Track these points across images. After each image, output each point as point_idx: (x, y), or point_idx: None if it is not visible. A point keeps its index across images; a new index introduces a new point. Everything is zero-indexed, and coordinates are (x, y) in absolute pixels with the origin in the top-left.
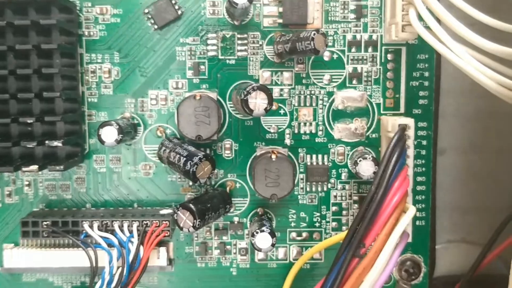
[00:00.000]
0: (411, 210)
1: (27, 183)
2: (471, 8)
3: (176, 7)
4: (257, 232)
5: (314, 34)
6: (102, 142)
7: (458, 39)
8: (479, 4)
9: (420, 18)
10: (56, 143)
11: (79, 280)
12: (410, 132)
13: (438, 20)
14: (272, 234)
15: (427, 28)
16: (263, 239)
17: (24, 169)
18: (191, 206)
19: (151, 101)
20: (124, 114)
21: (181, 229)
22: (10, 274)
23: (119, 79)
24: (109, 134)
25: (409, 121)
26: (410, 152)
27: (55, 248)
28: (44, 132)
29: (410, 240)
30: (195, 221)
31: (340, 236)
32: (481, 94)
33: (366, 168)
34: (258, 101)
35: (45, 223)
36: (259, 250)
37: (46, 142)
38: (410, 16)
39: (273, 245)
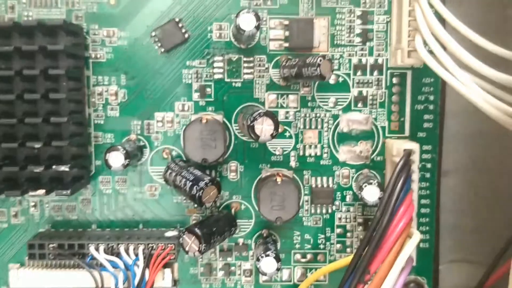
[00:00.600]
0: (416, 236)
1: (33, 204)
2: (476, 35)
3: (183, 30)
4: (262, 257)
5: (320, 60)
6: (109, 166)
7: (462, 65)
8: (484, 29)
9: (426, 44)
10: (63, 168)
11: None
12: (415, 157)
13: (443, 47)
14: (277, 258)
15: (432, 54)
16: (268, 264)
17: (31, 193)
18: (197, 230)
19: (157, 123)
20: (130, 136)
21: (187, 253)
22: None
23: (125, 101)
24: (116, 159)
25: (414, 146)
26: (415, 176)
27: (61, 268)
28: (51, 155)
29: (414, 263)
30: (200, 245)
31: (345, 260)
32: (484, 116)
33: (371, 194)
34: (264, 127)
35: (51, 245)
36: (264, 274)
37: (53, 167)
38: (416, 42)
39: (278, 269)
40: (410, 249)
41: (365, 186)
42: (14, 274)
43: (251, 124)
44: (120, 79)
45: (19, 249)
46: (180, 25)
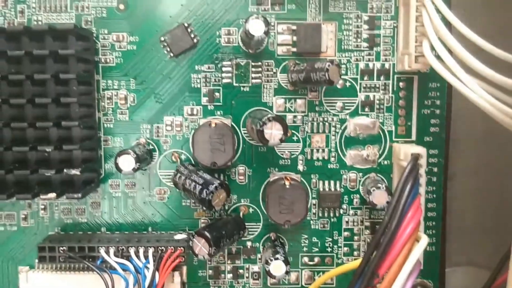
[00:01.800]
0: (424, 240)
1: (42, 207)
2: (482, 40)
3: (192, 35)
4: (271, 260)
5: (328, 65)
6: (119, 170)
7: (469, 70)
8: (490, 34)
9: (432, 49)
10: (74, 172)
11: None
12: (423, 161)
13: (450, 52)
14: (286, 261)
15: (439, 59)
16: (277, 267)
17: (42, 196)
18: (207, 234)
19: (166, 127)
20: (140, 140)
21: (197, 256)
22: None
23: (135, 105)
24: (127, 163)
25: (422, 150)
26: (422, 180)
27: (71, 271)
28: (62, 159)
29: (421, 267)
30: (210, 248)
31: (353, 263)
32: (491, 120)
33: (380, 198)
34: (273, 132)
35: (61, 248)
36: (273, 277)
37: (64, 170)
38: (423, 47)
39: (287, 272)
40: (418, 252)
41: (374, 190)
42: (23, 277)
43: (261, 129)
44: (130, 83)
45: (28, 252)
46: (189, 30)
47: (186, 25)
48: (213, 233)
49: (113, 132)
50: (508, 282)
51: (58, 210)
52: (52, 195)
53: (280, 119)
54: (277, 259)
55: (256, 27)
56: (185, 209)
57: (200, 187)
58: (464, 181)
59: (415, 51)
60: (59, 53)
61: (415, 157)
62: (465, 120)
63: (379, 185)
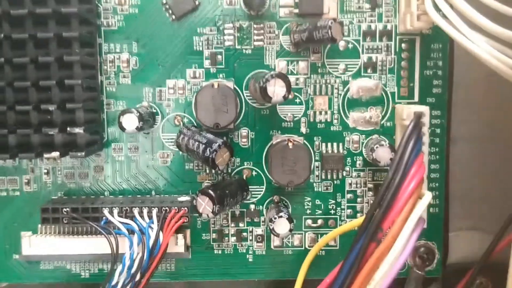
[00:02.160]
0: (427, 196)
1: (45, 171)
2: None
3: None
4: (275, 218)
5: (331, 22)
6: (123, 129)
7: (473, 27)
8: None
9: (435, 7)
10: (78, 130)
11: (97, 267)
12: (425, 120)
13: (453, 7)
14: (290, 219)
15: (443, 16)
16: (281, 224)
17: (45, 155)
18: (211, 192)
19: (169, 90)
20: (142, 103)
21: (200, 214)
22: (28, 261)
23: (137, 68)
24: (130, 121)
25: (425, 109)
26: (425, 139)
27: (73, 235)
28: (64, 120)
29: (425, 225)
30: (214, 206)
31: (355, 222)
32: (494, 84)
33: (383, 155)
34: (276, 89)
35: (65, 209)
36: (277, 235)
37: (68, 129)
38: (425, 4)
39: (291, 230)
40: (421, 207)
41: (377, 147)
42: (26, 241)
43: (264, 86)
44: (132, 46)
45: (31, 216)
46: None
47: None
48: (217, 192)
49: (116, 96)
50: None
51: (61, 174)
52: (56, 153)
53: (284, 76)
54: (281, 217)
55: None
56: (188, 172)
57: (204, 146)
58: (467, 145)
59: (417, 10)
60: (61, 12)
61: (418, 115)
62: (468, 85)
63: (383, 142)
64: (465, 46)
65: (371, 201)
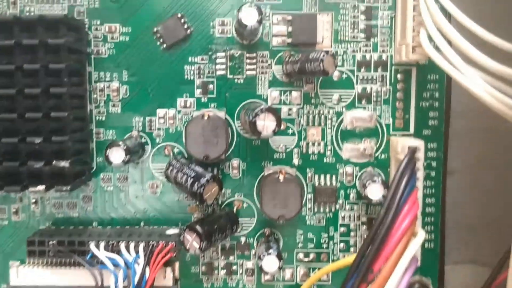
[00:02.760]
0: (421, 235)
1: (33, 200)
2: (483, 30)
3: (185, 26)
4: (264, 255)
5: (323, 55)
6: (109, 162)
7: (468, 61)
8: (490, 25)
9: (431, 39)
10: (64, 164)
11: None
12: (420, 155)
13: (449, 41)
14: (279, 256)
15: (437, 49)
16: (270, 262)
17: (31, 189)
18: (198, 228)
19: (159, 119)
20: (132, 132)
21: (188, 250)
22: None
23: (127, 97)
24: (117, 155)
25: (419, 143)
26: (419, 174)
27: (61, 267)
28: (53, 151)
29: (418, 263)
30: (201, 243)
31: (348, 259)
32: (491, 113)
33: (375, 192)
34: (266, 123)
35: (51, 242)
36: (266, 273)
37: (54, 162)
38: (420, 37)
39: (280, 268)
40: (414, 248)
41: (369, 184)
42: (14, 272)
43: (253, 120)
44: (122, 75)
45: (19, 246)
46: (182, 20)
47: (179, 15)
48: (204, 228)
49: (105, 125)
50: (508, 281)
51: (50, 204)
52: (41, 187)
53: (273, 110)
54: (269, 254)
55: (249, 16)
56: (178, 203)
57: (192, 180)
58: (464, 176)
59: (413, 41)
60: (49, 42)
61: (412, 150)
62: (465, 113)
63: (375, 178)
64: (460, 82)
65: (365, 235)
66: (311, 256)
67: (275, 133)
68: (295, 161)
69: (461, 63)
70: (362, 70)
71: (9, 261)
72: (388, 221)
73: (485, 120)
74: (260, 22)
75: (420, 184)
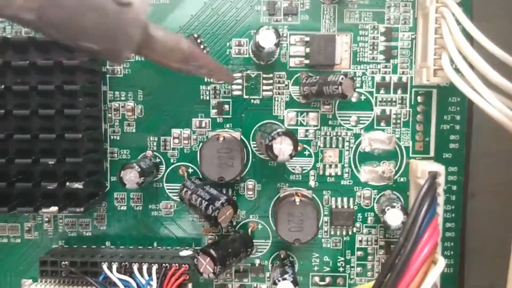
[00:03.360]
0: (441, 263)
1: (46, 219)
2: (505, 54)
3: (202, 46)
4: (279, 280)
5: (342, 78)
6: (123, 185)
7: (491, 86)
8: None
9: (452, 62)
10: (77, 185)
11: None
12: (441, 179)
13: (471, 65)
14: (294, 282)
15: (459, 72)
16: None
17: (44, 210)
18: (212, 252)
19: (174, 140)
20: (146, 152)
21: (201, 274)
22: None
23: (142, 117)
24: (131, 177)
25: (440, 168)
26: (440, 199)
27: (74, 286)
28: (66, 171)
29: None
30: (215, 267)
31: (366, 286)
32: None
33: (395, 218)
34: (283, 147)
35: (63, 263)
36: None
37: (67, 184)
38: (442, 61)
39: None
40: (434, 276)
41: (388, 209)
42: None
43: (270, 144)
44: (137, 94)
45: (32, 265)
46: (198, 40)
47: (195, 36)
48: (218, 252)
49: (120, 145)
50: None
51: (63, 223)
52: (54, 208)
53: (290, 134)
54: (285, 279)
55: (267, 39)
56: (192, 224)
57: (206, 202)
58: (485, 200)
59: (434, 65)
60: (64, 63)
61: (433, 175)
62: (486, 136)
63: (394, 204)
64: (482, 107)
65: (383, 260)
66: (327, 280)
67: (292, 157)
68: (312, 183)
69: (483, 88)
70: (381, 91)
71: (21, 279)
72: (408, 249)
73: (507, 144)
74: (277, 45)
75: (440, 209)
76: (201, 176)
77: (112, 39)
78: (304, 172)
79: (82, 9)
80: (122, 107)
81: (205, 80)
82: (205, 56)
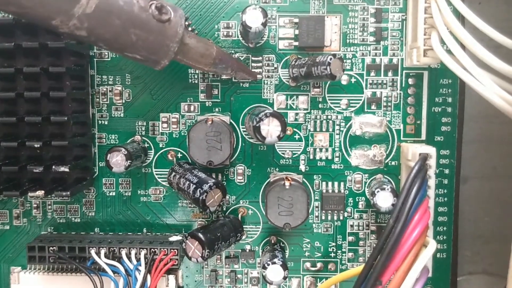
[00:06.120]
0: (432, 245)
1: (35, 205)
2: (497, 33)
3: (190, 28)
4: (268, 264)
5: (330, 58)
6: (110, 168)
7: (482, 64)
8: (505, 27)
9: (443, 42)
10: (63, 169)
11: None
12: (432, 162)
13: (462, 45)
14: (284, 266)
15: (450, 53)
16: (275, 272)
17: (30, 194)
18: (200, 235)
19: (163, 124)
20: (135, 137)
21: (190, 258)
22: None
23: (130, 101)
24: (118, 160)
25: (431, 150)
26: (432, 182)
27: (62, 272)
28: (53, 155)
29: (430, 274)
30: (203, 251)
31: (357, 270)
32: (506, 119)
33: (384, 200)
34: (271, 128)
35: (51, 248)
36: (270, 283)
37: (53, 167)
38: (432, 40)
39: (285, 278)
40: (425, 258)
41: (378, 191)
42: (15, 277)
43: (257, 125)
44: (125, 78)
45: (20, 252)
46: (186, 23)
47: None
48: (207, 235)
49: (108, 129)
50: (509, 281)
51: (51, 209)
52: (41, 192)
53: (278, 115)
54: (274, 263)
55: (253, 18)
56: (181, 209)
57: (194, 186)
58: (478, 185)
59: (424, 44)
60: (49, 46)
61: (424, 157)
62: (479, 119)
63: (384, 186)
64: (473, 86)
65: (374, 245)
66: (318, 265)
67: (280, 139)
68: (302, 167)
69: (474, 67)
70: (372, 74)
71: (10, 267)
72: (398, 230)
73: (500, 126)
74: (265, 24)
75: (432, 192)
76: (190, 161)
77: (154, 51)
78: (294, 156)
79: (128, 27)
80: (110, 91)
81: None
82: (232, 58)
